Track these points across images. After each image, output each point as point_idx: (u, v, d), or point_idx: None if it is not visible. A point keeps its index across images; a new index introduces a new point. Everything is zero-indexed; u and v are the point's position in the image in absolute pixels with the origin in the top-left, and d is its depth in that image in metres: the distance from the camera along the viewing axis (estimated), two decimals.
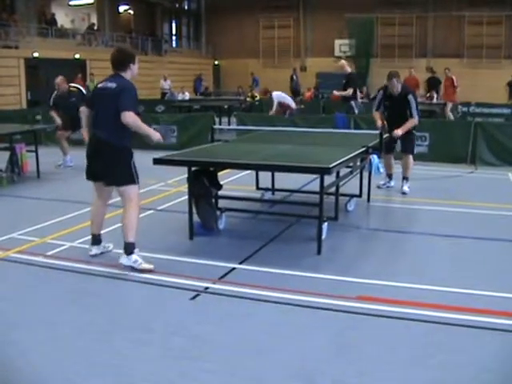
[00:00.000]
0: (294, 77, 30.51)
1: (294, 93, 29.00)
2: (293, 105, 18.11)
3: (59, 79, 12.52)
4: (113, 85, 5.69)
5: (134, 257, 5.68)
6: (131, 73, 5.87)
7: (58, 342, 4.26)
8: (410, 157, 9.55)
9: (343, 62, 14.95)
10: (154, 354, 4.07)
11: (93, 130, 5.90)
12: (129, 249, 5.70)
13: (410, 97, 9.16)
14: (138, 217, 5.90)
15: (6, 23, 25.16)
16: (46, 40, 26.93)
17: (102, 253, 6.19)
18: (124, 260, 5.70)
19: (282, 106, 17.81)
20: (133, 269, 5.63)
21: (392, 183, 9.82)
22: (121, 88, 5.63)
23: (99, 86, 5.97)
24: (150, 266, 5.69)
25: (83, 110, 6.15)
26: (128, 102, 5.59)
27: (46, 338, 4.33)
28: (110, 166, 5.72)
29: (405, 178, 9.54)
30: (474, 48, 33.55)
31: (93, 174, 5.92)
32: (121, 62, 5.82)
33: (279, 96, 18.34)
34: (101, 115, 5.77)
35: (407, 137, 9.32)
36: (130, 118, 5.54)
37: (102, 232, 6.24)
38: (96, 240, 6.18)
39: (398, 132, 9.00)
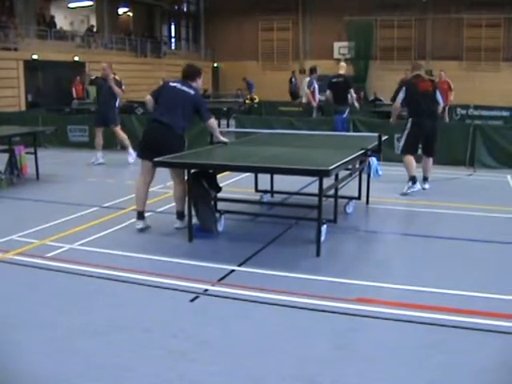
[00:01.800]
0: (293, 79, 30.54)
1: (293, 95, 29.04)
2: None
3: (104, 64, 12.64)
4: (190, 91, 7.15)
5: (185, 221, 7.09)
6: (196, 85, 7.35)
7: (56, 343, 4.27)
8: (404, 157, 9.77)
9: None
10: (154, 355, 4.07)
11: (160, 114, 7.12)
12: (181, 215, 7.29)
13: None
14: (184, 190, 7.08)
15: (5, 25, 25.16)
16: (45, 42, 26.93)
17: (146, 227, 7.28)
18: (179, 224, 7.29)
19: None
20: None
21: (424, 186, 9.99)
22: (198, 98, 7.42)
23: (171, 84, 7.34)
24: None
25: (149, 100, 7.32)
26: (205, 105, 7.51)
27: (45, 339, 4.33)
28: (168, 149, 6.88)
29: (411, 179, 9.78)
30: (472, 50, 33.55)
31: (148, 153, 7.03)
32: (192, 75, 7.33)
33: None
34: (172, 107, 7.07)
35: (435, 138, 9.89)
36: (212, 123, 7.52)
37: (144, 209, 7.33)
38: (140, 215, 7.27)
39: None
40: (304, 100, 16.02)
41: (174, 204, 8.52)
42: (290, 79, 30.63)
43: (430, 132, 9.74)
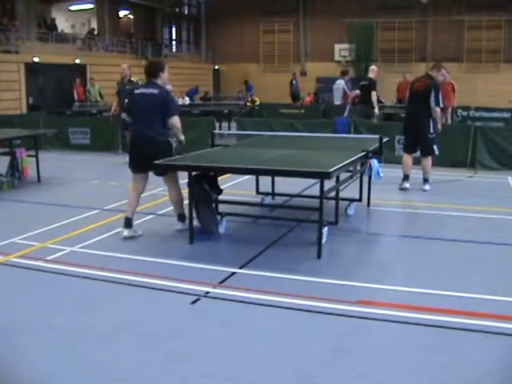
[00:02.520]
0: (294, 81, 30.54)
1: (294, 97, 29.04)
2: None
3: (124, 65, 12.85)
4: (155, 91, 6.98)
5: (179, 224, 7.34)
6: (162, 80, 7.15)
7: (57, 345, 4.27)
8: (427, 159, 10.08)
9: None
10: (155, 358, 4.08)
11: (138, 129, 7.06)
12: (182, 217, 7.35)
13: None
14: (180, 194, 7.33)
15: (6, 28, 25.19)
16: (47, 45, 26.94)
17: (131, 236, 7.05)
18: (180, 226, 7.34)
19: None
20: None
21: (423, 187, 10.16)
22: (163, 95, 7.07)
23: (137, 92, 7.17)
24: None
25: (125, 116, 7.31)
26: (172, 103, 7.36)
27: (46, 341, 4.34)
28: (158, 157, 6.76)
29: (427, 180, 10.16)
30: (473, 52, 33.54)
31: (139, 166, 7.11)
32: (154, 71, 7.12)
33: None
34: (145, 116, 6.97)
35: (429, 139, 10.04)
36: (175, 120, 7.09)
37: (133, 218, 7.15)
38: (127, 222, 7.11)
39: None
40: (339, 102, 16.76)
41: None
42: (291, 81, 30.61)
43: (417, 131, 9.96)
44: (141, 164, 7.03)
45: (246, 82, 33.22)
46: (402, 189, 10.04)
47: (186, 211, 7.11)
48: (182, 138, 7.21)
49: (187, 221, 6.99)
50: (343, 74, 17.76)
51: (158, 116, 6.96)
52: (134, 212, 7.20)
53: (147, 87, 7.08)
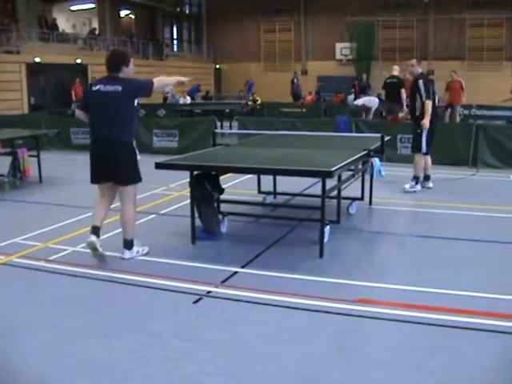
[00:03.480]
0: (295, 80, 30.54)
1: (295, 96, 29.02)
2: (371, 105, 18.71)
3: None
4: (117, 87, 5.86)
5: (135, 249, 6.27)
6: (125, 75, 6.02)
7: (59, 344, 4.27)
8: (416, 156, 9.85)
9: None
10: (156, 357, 4.08)
11: (96, 132, 6.07)
12: (130, 244, 6.23)
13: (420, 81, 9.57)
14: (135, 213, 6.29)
15: (7, 28, 25.22)
16: (48, 45, 26.99)
17: (95, 248, 5.97)
18: (127, 254, 6.21)
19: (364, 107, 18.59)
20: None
21: (430, 184, 10.12)
22: (129, 87, 5.93)
23: (94, 88, 6.04)
24: (146, 248, 6.39)
25: (79, 113, 6.33)
26: (142, 85, 6.10)
27: (48, 340, 4.34)
28: (121, 166, 6.00)
29: (415, 178, 9.88)
30: (474, 50, 33.54)
31: (101, 175, 6.10)
32: (115, 65, 6.01)
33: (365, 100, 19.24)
34: (103, 117, 5.94)
35: (415, 135, 9.84)
36: (156, 81, 6.10)
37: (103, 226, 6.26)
38: (94, 231, 6.05)
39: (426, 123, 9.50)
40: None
41: (176, 206, 8.57)
42: (292, 80, 30.61)
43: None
44: (104, 173, 6.05)
45: (249, 80, 33.19)
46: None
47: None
48: (178, 78, 6.48)
49: (135, 249, 6.22)
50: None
51: (121, 116, 5.94)
52: (102, 221, 6.21)
53: (106, 83, 5.92)
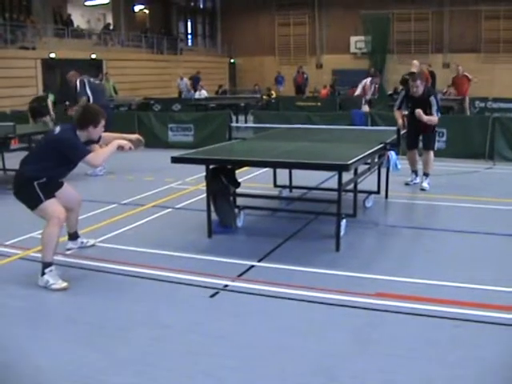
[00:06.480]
0: (302, 74, 30.65)
1: (299, 89, 29.15)
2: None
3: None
4: (59, 135, 5.50)
5: (44, 278, 5.30)
6: (87, 135, 5.59)
7: (78, 339, 4.30)
8: (431, 153, 9.57)
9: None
10: (174, 350, 4.09)
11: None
12: (42, 268, 5.34)
13: (432, 98, 9.23)
14: (58, 234, 5.41)
15: (22, 24, 25.35)
16: (63, 41, 27.10)
17: (78, 247, 6.41)
18: (39, 280, 5.34)
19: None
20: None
21: (418, 179, 9.81)
22: (64, 141, 5.41)
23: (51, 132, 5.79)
24: (63, 285, 5.28)
25: None
26: (77, 150, 5.42)
27: (67, 335, 4.37)
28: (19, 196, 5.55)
29: (425, 174, 9.56)
30: (490, 43, 33.25)
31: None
32: (83, 122, 5.53)
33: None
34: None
35: (429, 134, 9.48)
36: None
37: (78, 231, 6.47)
38: (71, 237, 6.42)
39: (422, 114, 9.11)
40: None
41: (192, 200, 8.58)
42: (302, 73, 30.71)
43: None
44: None
45: (278, 72, 33.44)
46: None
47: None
48: (119, 142, 5.68)
49: (45, 278, 5.30)
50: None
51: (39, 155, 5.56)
52: (74, 227, 6.38)
53: (60, 128, 5.61)
